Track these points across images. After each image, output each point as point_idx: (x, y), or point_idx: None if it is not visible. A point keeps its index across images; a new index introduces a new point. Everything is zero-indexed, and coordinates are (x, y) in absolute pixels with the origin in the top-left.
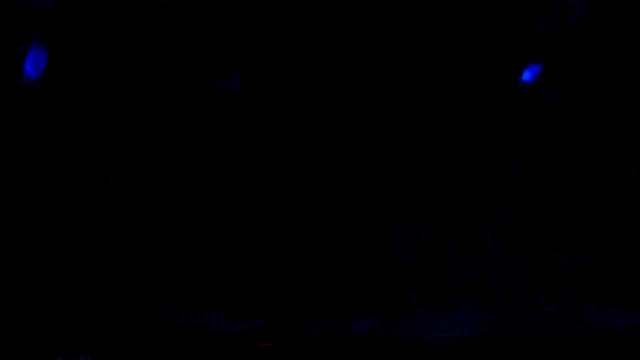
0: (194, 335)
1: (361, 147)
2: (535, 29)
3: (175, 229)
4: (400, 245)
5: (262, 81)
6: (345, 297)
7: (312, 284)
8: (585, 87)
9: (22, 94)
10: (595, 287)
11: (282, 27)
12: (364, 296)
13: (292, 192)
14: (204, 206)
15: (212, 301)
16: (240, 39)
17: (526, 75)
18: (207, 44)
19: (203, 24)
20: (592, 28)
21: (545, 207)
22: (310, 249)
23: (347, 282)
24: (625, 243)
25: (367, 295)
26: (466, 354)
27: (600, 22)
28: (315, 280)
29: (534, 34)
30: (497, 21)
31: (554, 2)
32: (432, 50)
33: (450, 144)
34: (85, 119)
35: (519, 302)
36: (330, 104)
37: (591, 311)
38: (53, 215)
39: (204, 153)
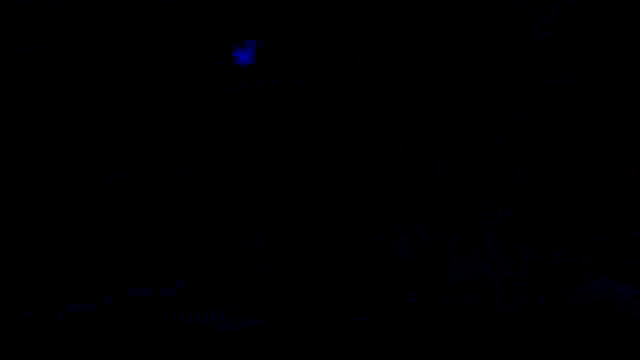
0: (194, 335)
1: (361, 147)
2: (535, 29)
3: (175, 229)
4: (400, 245)
5: (262, 82)
6: (345, 297)
7: (312, 284)
8: (584, 88)
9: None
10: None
11: (281, 27)
12: (364, 296)
13: (292, 192)
14: (204, 206)
15: (212, 301)
16: (240, 40)
17: None
18: (207, 44)
19: (202, 24)
20: (591, 26)
21: (545, 207)
22: (310, 249)
23: (347, 282)
24: (625, 243)
25: (367, 295)
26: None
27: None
28: (315, 280)
29: (534, 34)
30: (497, 21)
31: (554, 2)
32: (432, 50)
33: (450, 144)
34: (84, 119)
35: (519, 302)
36: (330, 104)
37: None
38: (53, 215)
39: (204, 153)
